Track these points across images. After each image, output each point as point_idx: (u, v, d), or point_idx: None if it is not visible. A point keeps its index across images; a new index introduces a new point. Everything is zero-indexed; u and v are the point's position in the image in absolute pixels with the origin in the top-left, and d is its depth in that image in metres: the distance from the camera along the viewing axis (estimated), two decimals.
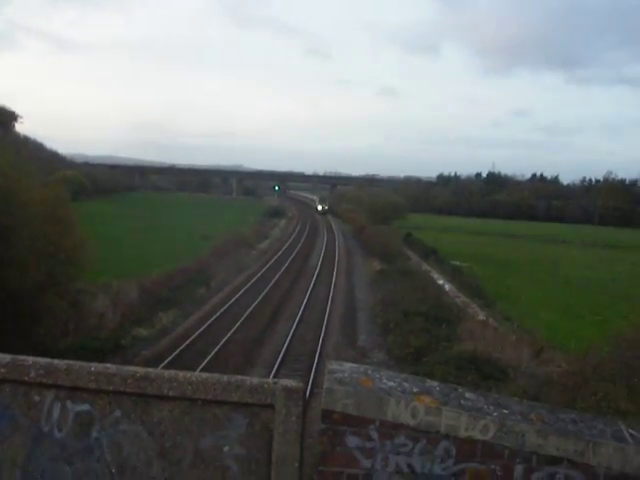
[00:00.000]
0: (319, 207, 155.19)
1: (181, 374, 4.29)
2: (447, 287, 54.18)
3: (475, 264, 70.44)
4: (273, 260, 62.69)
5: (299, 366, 28.43)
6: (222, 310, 37.91)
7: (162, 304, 38.41)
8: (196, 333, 32.26)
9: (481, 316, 41.66)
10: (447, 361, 28.70)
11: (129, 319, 34.27)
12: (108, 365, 4.44)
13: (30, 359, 4.47)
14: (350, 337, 34.84)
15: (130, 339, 31.42)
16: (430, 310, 38.88)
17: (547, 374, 26.76)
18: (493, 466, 3.99)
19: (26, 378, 4.40)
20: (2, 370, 4.42)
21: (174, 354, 28.33)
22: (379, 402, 3.99)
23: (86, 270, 30.64)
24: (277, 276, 51.65)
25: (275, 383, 4.20)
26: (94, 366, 4.40)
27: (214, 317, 35.97)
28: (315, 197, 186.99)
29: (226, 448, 4.25)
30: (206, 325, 34.01)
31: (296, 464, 4.18)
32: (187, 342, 30.52)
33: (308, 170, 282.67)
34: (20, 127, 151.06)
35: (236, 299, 41.49)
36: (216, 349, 29.45)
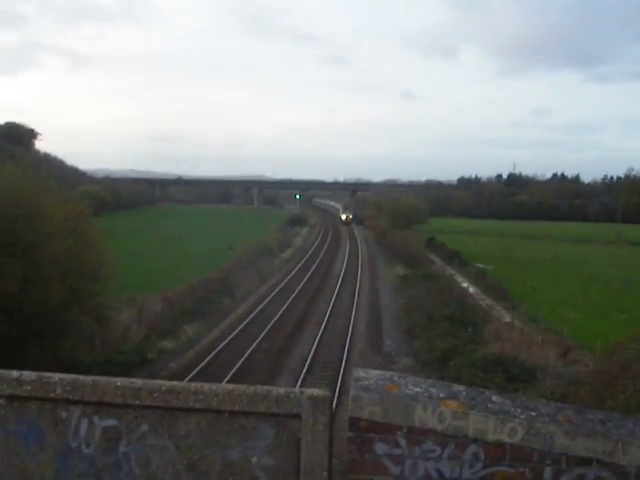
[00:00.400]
0: (343, 216, 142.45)
1: (207, 386, 4.29)
2: (471, 290, 54.05)
3: (499, 266, 70.19)
4: (297, 268, 62.77)
5: (326, 374, 28.44)
6: (247, 320, 38.00)
7: (187, 316, 38.50)
8: (222, 344, 32.33)
9: (506, 318, 41.51)
10: (474, 364, 28.62)
11: (154, 332, 34.40)
12: (134, 380, 4.46)
13: (56, 376, 4.49)
14: (376, 343, 34.83)
15: (156, 352, 31.53)
16: (455, 313, 38.85)
17: (574, 374, 26.62)
18: (522, 469, 3.97)
19: (52, 395, 4.42)
20: (28, 388, 4.44)
21: (200, 366, 28.39)
22: (406, 408, 3.98)
23: (110, 285, 30.73)
24: (301, 284, 51.73)
25: (301, 393, 4.20)
26: (120, 381, 4.41)
27: (239, 327, 36.05)
28: (338, 205, 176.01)
29: (254, 459, 4.25)
30: (232, 336, 34.08)
31: (325, 473, 4.17)
32: (213, 353, 30.60)
33: (328, 177, 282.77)
34: (40, 144, 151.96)
35: (261, 309, 41.57)
36: (242, 359, 29.50)
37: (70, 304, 26.50)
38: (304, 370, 28.40)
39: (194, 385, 4.33)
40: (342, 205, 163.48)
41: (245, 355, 30.17)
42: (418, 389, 4.20)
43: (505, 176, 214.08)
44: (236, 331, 35.12)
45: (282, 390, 4.24)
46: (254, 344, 32.16)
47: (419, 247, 77.97)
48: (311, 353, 31.08)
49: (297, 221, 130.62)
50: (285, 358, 30.86)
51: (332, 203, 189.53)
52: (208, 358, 29.76)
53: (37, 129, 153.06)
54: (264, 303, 43.39)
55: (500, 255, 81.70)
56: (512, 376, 27.13)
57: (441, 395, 4.16)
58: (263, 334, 34.31)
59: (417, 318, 38.51)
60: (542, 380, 26.95)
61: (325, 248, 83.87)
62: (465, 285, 56.41)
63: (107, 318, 32.02)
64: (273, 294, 47.12)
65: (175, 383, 4.38)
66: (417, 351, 32.96)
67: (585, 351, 31.90)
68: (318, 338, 34.02)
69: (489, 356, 29.58)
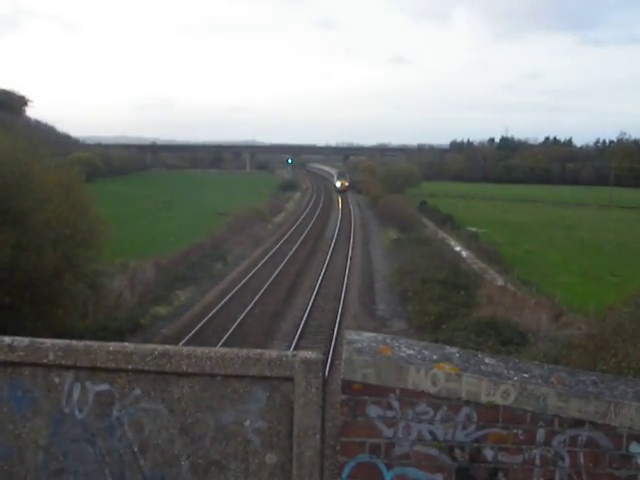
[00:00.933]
0: (337, 184, 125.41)
1: (199, 350, 4.29)
2: (464, 254, 54.16)
3: (491, 230, 70.26)
4: (289, 233, 62.77)
5: (319, 338, 28.50)
6: (240, 285, 38.01)
7: (179, 282, 38.53)
8: (215, 309, 32.35)
9: (499, 281, 41.61)
10: (467, 327, 28.74)
11: (147, 298, 34.46)
12: (126, 344, 4.44)
13: (48, 341, 4.47)
14: (369, 307, 34.91)
15: (149, 318, 31.55)
16: (448, 277, 38.89)
17: (567, 337, 26.72)
18: (515, 431, 3.98)
19: (45, 360, 4.41)
20: (21, 353, 4.42)
21: (193, 331, 28.43)
22: (399, 371, 3.98)
23: (102, 251, 30.73)
24: (294, 249, 51.73)
25: (294, 356, 4.19)
26: (112, 345, 4.40)
27: (232, 293, 36.06)
28: (333, 171, 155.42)
29: (247, 422, 4.25)
30: (224, 301, 34.09)
31: (317, 436, 4.17)
32: (206, 319, 30.61)
33: (320, 142, 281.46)
34: (30, 111, 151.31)
35: (253, 273, 41.58)
36: (235, 325, 29.52)
37: (63, 271, 26.46)
38: (297, 334, 28.44)
39: (187, 349, 4.33)
40: (336, 171, 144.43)
41: (238, 320, 30.18)
42: (411, 351, 4.20)
43: (498, 140, 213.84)
44: (229, 296, 35.13)
45: (275, 353, 4.24)
46: (247, 309, 32.19)
47: (412, 211, 77.88)
48: (304, 318, 31.10)
49: (289, 186, 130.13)
50: (278, 323, 30.90)
51: (326, 168, 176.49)
52: (201, 323, 29.78)
53: (28, 96, 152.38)
54: (257, 268, 43.37)
55: (493, 219, 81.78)
56: (505, 339, 27.26)
57: (434, 357, 4.17)
58: (256, 299, 34.32)
59: (410, 282, 38.50)
60: (535, 343, 27.06)
61: (318, 212, 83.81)
62: (458, 249, 56.51)
63: (100, 285, 32.04)
64: (266, 259, 47.12)
65: (168, 347, 4.37)
66: (410, 315, 33.01)
67: (578, 314, 31.99)
68: (311, 303, 34.05)
69: (482, 319, 29.69)
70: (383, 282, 41.59)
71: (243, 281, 39.11)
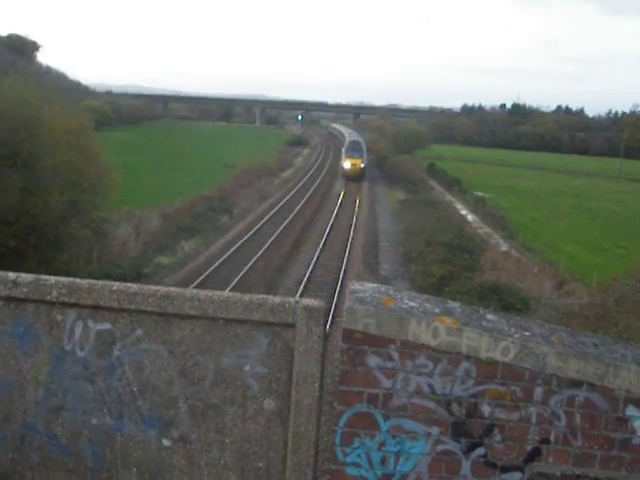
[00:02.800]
0: (346, 164, 75.05)
1: (202, 293, 4.30)
2: (470, 218, 54.15)
3: (498, 195, 70.14)
4: (296, 189, 62.67)
5: (321, 293, 28.52)
6: (245, 238, 38.01)
7: (184, 232, 38.54)
8: (219, 261, 32.37)
9: (504, 247, 41.63)
10: (469, 291, 28.75)
11: (151, 247, 34.49)
12: (130, 284, 4.46)
13: (52, 278, 4.50)
14: (372, 266, 34.91)
15: (152, 267, 31.61)
16: (453, 240, 38.89)
17: (568, 306, 26.78)
18: (513, 388, 4.00)
19: (48, 297, 4.44)
20: (24, 289, 4.45)
21: (197, 282, 28.45)
22: (400, 322, 3.99)
23: (109, 199, 30.69)
24: (300, 205, 51.70)
25: (297, 302, 4.20)
26: (116, 285, 4.42)
27: (237, 245, 36.06)
28: (345, 130, 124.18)
29: (247, 367, 4.28)
30: (229, 253, 34.10)
31: (316, 384, 4.20)
32: (209, 270, 30.64)
33: (332, 100, 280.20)
34: (42, 57, 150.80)
35: (259, 227, 41.58)
36: (239, 277, 29.56)
37: (69, 217, 26.52)
38: (300, 290, 28.48)
39: (190, 291, 4.34)
40: (348, 134, 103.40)
41: (242, 273, 30.22)
42: (413, 303, 4.21)
43: (509, 106, 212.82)
44: (233, 249, 35.13)
45: (277, 299, 4.25)
46: (251, 262, 32.22)
47: (420, 173, 77.71)
48: (307, 274, 31.14)
49: (298, 142, 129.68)
50: (281, 277, 30.93)
51: (338, 127, 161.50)
52: (204, 274, 29.82)
53: (39, 41, 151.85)
54: (262, 222, 43.38)
55: (500, 184, 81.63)
56: (507, 305, 27.26)
57: (436, 311, 4.17)
58: (260, 252, 34.35)
59: (415, 243, 38.54)
60: (536, 310, 27.11)
61: (326, 169, 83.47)
62: (464, 213, 56.50)
63: (105, 232, 32.04)
64: (271, 213, 47.10)
65: (171, 289, 4.39)
66: (413, 276, 33.04)
67: (581, 284, 32.04)
68: (315, 259, 34.07)
69: (485, 284, 29.70)
70: (388, 242, 41.57)
71: (248, 234, 39.09)
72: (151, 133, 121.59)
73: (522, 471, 4.08)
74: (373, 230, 45.44)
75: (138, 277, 29.38)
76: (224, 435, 4.40)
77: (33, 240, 24.35)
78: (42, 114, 26.84)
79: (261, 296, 4.28)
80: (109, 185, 29.91)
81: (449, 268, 32.70)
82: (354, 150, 77.07)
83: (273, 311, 4.18)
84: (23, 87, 28.31)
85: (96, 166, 29.15)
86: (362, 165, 75.00)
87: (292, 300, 4.23)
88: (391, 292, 4.38)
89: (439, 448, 4.08)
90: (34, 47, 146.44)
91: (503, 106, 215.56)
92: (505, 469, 4.08)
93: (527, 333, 4.12)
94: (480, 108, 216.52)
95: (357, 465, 4.11)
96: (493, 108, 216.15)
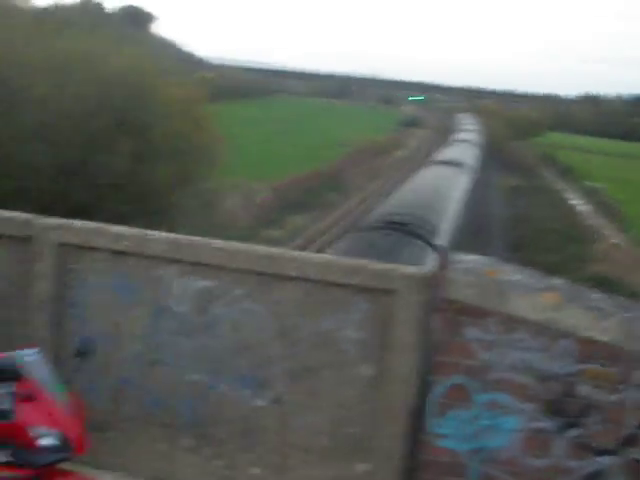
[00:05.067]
0: None
1: (305, 254, 4.31)
2: (582, 207, 53.03)
3: (613, 186, 68.39)
4: (407, 169, 62.18)
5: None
6: (354, 216, 37.86)
7: (294, 207, 38.58)
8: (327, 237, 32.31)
9: (616, 239, 40.64)
10: (577, 282, 28.14)
11: (260, 220, 34.60)
12: (232, 242, 4.48)
13: (155, 233, 4.55)
14: (478, 252, 34.48)
15: (260, 240, 31.71)
16: (563, 229, 38.15)
17: None
18: (612, 369, 3.89)
19: (150, 252, 4.50)
20: (126, 243, 4.52)
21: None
22: (501, 294, 3.93)
23: (218, 170, 30.94)
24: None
25: (398, 269, 4.17)
26: (218, 243, 4.44)
27: (346, 222, 35.92)
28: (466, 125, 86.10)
29: (345, 331, 4.27)
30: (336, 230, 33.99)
31: (413, 353, 4.17)
32: (317, 246, 30.60)
33: (446, 82, 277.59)
34: (157, 29, 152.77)
35: (367, 205, 41.37)
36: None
37: (176, 185, 26.84)
38: None
39: (292, 253, 4.35)
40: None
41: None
42: (517, 277, 4.13)
43: (629, 96, 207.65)
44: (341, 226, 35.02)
45: (379, 265, 4.22)
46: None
47: (533, 160, 76.45)
48: None
49: (412, 122, 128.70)
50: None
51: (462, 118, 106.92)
52: (312, 250, 29.82)
53: (155, 13, 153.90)
54: (371, 200, 43.17)
55: (616, 176, 79.40)
56: None
57: (539, 286, 4.09)
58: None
59: (523, 229, 37.94)
60: None
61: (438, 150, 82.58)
62: (575, 202, 55.37)
63: (213, 202, 32.30)
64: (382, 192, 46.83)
65: (273, 249, 4.41)
66: (520, 263, 32.48)
67: None
68: None
69: (595, 276, 29.03)
70: (497, 227, 41.00)
71: (356, 213, 38.93)
72: (265, 107, 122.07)
73: (616, 455, 3.98)
74: (482, 214, 44.86)
75: None
76: (319, 399, 4.39)
77: (143, 207, 24.71)
78: (156, 83, 27.24)
79: (363, 261, 4.27)
80: (219, 156, 30.16)
81: (558, 257, 32.08)
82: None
83: (374, 277, 4.15)
84: (138, 57, 28.76)
85: (207, 136, 29.42)
86: None
87: (394, 266, 4.20)
88: (495, 264, 4.31)
89: (532, 425, 4.01)
90: (149, 18, 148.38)
91: (622, 96, 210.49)
92: (599, 452, 3.97)
93: (630, 314, 4.00)
94: (600, 97, 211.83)
95: (449, 437, 4.07)
96: (616, 97, 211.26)
